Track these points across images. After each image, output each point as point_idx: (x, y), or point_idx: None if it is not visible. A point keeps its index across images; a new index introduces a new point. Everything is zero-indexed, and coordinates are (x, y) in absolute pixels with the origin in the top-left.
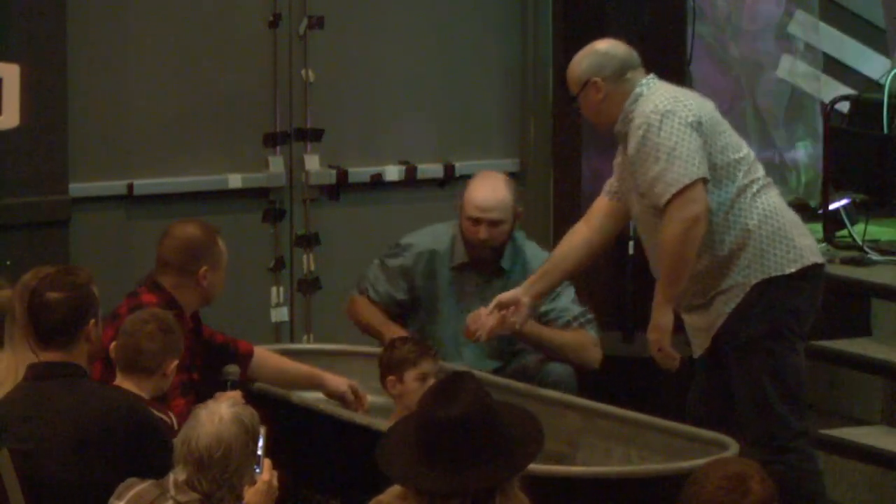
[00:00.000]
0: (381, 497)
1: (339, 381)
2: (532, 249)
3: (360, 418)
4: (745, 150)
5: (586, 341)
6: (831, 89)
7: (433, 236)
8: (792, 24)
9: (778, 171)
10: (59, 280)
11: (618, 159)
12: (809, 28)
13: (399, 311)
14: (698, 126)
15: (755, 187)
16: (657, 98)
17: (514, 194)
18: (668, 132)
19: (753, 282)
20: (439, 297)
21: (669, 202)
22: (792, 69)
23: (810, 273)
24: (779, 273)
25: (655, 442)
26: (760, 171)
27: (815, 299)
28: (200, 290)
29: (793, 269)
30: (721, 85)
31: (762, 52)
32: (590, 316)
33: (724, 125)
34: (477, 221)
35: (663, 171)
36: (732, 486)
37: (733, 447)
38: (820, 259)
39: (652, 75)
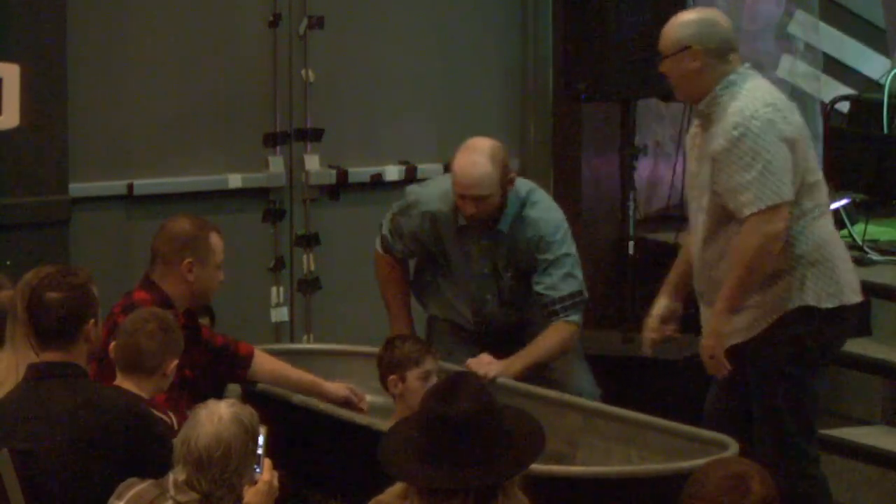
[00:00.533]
0: (382, 497)
1: (337, 387)
2: (538, 211)
3: (360, 418)
4: (819, 173)
5: (568, 335)
6: (831, 89)
7: (439, 193)
8: (792, 24)
9: None
10: (59, 280)
11: (693, 133)
12: (809, 28)
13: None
14: (793, 144)
15: (816, 213)
16: (756, 101)
17: (500, 164)
18: (766, 144)
19: (789, 307)
20: (448, 254)
21: (759, 212)
22: (792, 69)
23: (846, 312)
24: (815, 304)
25: (655, 442)
26: (824, 196)
27: (846, 335)
28: (186, 284)
29: (829, 305)
30: None
31: (762, 52)
32: (582, 297)
33: (810, 142)
34: (463, 197)
35: (754, 182)
36: (733, 486)
37: (733, 447)
38: (858, 298)
39: (747, 64)
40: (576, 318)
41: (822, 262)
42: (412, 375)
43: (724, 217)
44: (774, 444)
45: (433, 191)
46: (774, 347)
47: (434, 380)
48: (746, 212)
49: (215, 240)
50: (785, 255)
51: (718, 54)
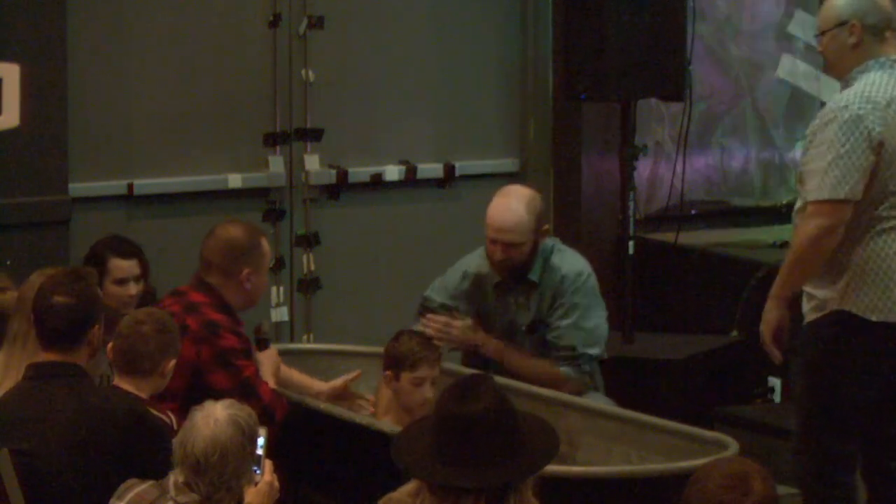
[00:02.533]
0: (393, 494)
1: (325, 384)
2: (562, 259)
3: (360, 418)
4: None
5: (554, 375)
6: (831, 89)
7: (480, 254)
8: (792, 24)
9: (778, 171)
10: (68, 285)
11: None
12: (809, 28)
13: None
14: (879, 146)
15: (885, 224)
16: (858, 94)
17: (535, 213)
18: (845, 138)
19: (834, 307)
20: (489, 314)
21: (816, 202)
22: (792, 69)
23: (890, 331)
24: (859, 314)
25: (655, 442)
26: None
27: (883, 357)
28: (244, 292)
29: (874, 318)
30: (721, 85)
31: (762, 52)
32: (572, 353)
33: None
34: (494, 241)
35: (822, 171)
36: (734, 485)
37: (733, 447)
38: None
39: None
40: (567, 370)
41: (877, 274)
42: (405, 377)
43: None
44: (795, 434)
45: (474, 254)
46: (812, 342)
47: (428, 387)
48: (808, 198)
49: (266, 246)
50: (842, 254)
51: (875, 31)
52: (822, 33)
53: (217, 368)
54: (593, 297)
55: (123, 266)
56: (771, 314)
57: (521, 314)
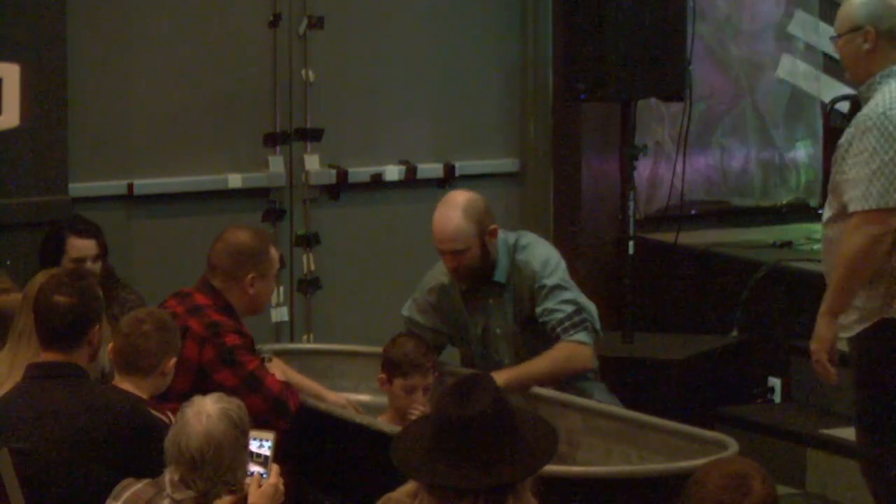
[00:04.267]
0: (392, 494)
1: (337, 397)
2: (529, 254)
3: (360, 418)
4: None
5: (571, 352)
6: (831, 89)
7: (439, 271)
8: (792, 24)
9: (778, 171)
10: (69, 284)
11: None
12: (809, 28)
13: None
14: None
15: None
16: (892, 96)
17: (474, 217)
18: (888, 145)
19: (879, 317)
20: (465, 324)
21: (863, 211)
22: (792, 69)
23: None
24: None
25: (655, 442)
26: None
27: None
28: (247, 297)
29: None
30: (721, 85)
31: (762, 52)
32: (582, 316)
33: None
34: (442, 252)
35: (866, 180)
36: (734, 485)
37: (733, 447)
38: None
39: None
40: (580, 336)
41: None
42: (397, 383)
43: (842, 216)
44: (859, 446)
45: (435, 268)
46: (863, 356)
47: (420, 395)
48: (852, 208)
49: (273, 253)
50: (891, 260)
51: (891, 37)
52: (839, 36)
53: (222, 367)
54: (566, 276)
55: (80, 245)
56: (825, 331)
57: (497, 317)
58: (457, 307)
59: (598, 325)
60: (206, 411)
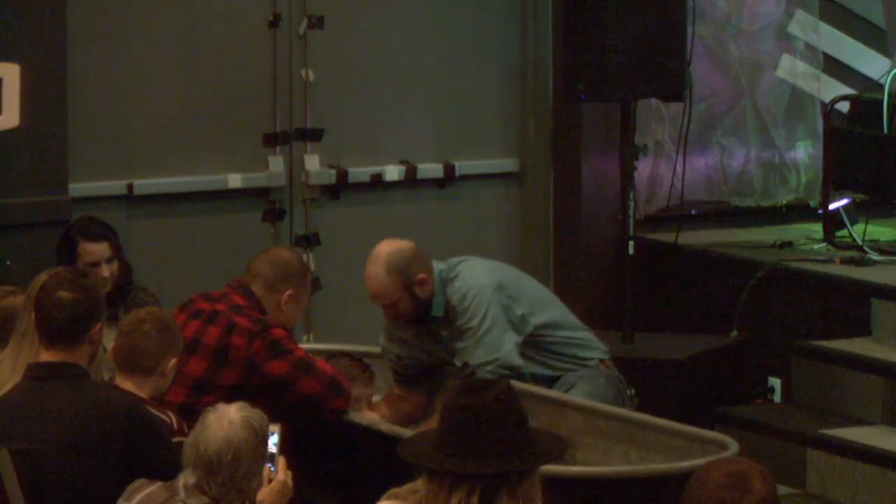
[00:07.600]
0: (397, 489)
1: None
2: (452, 289)
3: (360, 418)
4: None
5: None
6: (831, 89)
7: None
8: (792, 24)
9: (778, 171)
10: (71, 281)
11: None
12: (809, 28)
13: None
14: None
15: None
16: None
17: (396, 271)
18: None
19: None
20: (433, 352)
21: None
22: (792, 69)
23: None
24: None
25: (655, 442)
26: None
27: None
28: (280, 312)
29: None
30: (721, 85)
31: (762, 52)
32: (491, 366)
33: None
34: (375, 304)
35: None
36: (734, 484)
37: (733, 447)
38: None
39: None
40: None
41: None
42: None
43: None
44: None
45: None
46: None
47: (364, 405)
48: None
49: (309, 280)
50: None
51: None
52: None
53: (272, 357)
54: (485, 313)
55: (92, 250)
56: None
57: (448, 349)
58: (416, 339)
59: (514, 362)
60: (228, 417)
